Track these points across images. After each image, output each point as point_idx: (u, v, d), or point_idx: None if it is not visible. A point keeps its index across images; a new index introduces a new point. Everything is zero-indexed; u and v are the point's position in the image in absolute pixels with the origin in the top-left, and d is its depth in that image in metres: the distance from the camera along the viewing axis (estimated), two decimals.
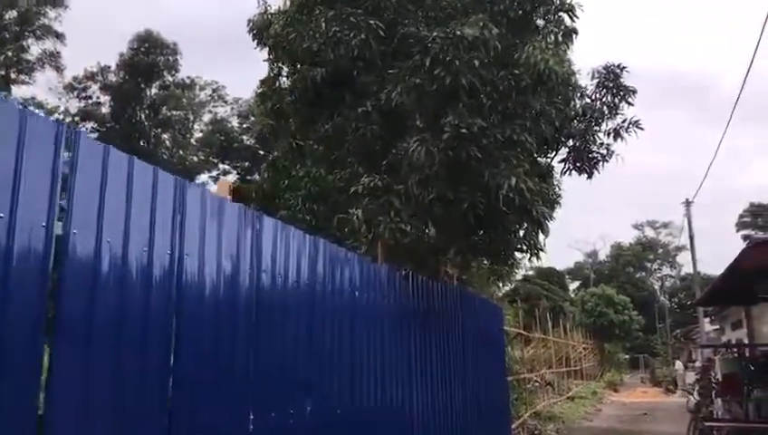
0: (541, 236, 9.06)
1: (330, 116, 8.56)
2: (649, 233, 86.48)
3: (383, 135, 7.87)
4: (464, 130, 6.74)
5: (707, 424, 11.01)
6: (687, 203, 24.15)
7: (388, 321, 7.11)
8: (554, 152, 10.55)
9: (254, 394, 4.48)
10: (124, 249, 3.39)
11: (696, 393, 13.41)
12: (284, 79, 10.30)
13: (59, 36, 46.47)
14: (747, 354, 12.94)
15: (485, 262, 12.33)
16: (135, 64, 49.24)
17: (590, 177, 10.46)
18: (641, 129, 9.87)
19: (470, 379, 10.39)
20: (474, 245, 8.31)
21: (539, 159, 10.80)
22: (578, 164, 10.40)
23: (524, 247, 8.57)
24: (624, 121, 9.96)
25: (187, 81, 53.83)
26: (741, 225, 68.83)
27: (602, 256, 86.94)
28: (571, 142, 10.20)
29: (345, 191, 7.86)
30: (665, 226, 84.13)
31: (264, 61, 10.30)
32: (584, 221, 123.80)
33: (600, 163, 10.36)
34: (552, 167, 10.95)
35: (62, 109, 49.89)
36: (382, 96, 7.77)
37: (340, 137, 8.49)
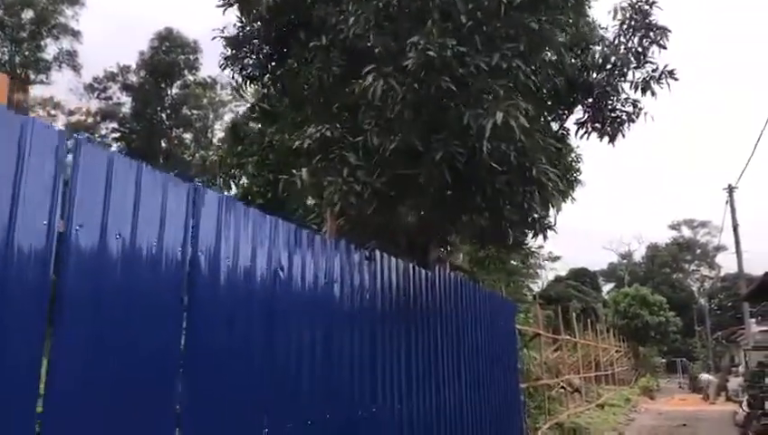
0: (550, 211, 7.28)
1: (282, 58, 6.91)
2: (687, 233, 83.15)
3: (343, 75, 6.15)
4: (431, 54, 4.99)
5: None
6: (731, 189, 21.90)
7: (340, 315, 5.43)
8: (567, 111, 8.73)
9: None
10: None
11: (744, 404, 11.38)
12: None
13: (75, 34, 46.01)
14: None
15: (490, 248, 10.54)
16: (155, 64, 48.62)
17: (612, 140, 8.59)
18: (676, 79, 7.97)
19: (467, 385, 8.63)
20: (456, 214, 6.51)
21: (550, 121, 9.01)
22: (598, 125, 8.55)
23: (529, 221, 6.78)
24: (655, 70, 8.08)
25: (209, 80, 52.89)
26: None
27: (637, 257, 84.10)
28: (588, 98, 8.36)
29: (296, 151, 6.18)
30: (703, 225, 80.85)
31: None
32: (619, 222, 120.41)
33: (626, 124, 8.49)
34: (567, 130, 9.13)
35: (83, 109, 49.56)
36: (342, 28, 6.08)
37: (294, 83, 6.83)
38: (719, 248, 69.91)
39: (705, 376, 33.56)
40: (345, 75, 6.10)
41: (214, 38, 8.27)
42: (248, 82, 8.59)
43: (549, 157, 6.60)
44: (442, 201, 6.05)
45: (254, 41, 8.07)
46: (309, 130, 5.73)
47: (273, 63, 7.91)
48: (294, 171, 5.69)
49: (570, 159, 10.53)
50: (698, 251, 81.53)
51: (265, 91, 9.10)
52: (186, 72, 50.99)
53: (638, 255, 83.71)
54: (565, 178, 10.29)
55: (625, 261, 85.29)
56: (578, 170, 10.92)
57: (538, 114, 7.68)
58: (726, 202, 21.83)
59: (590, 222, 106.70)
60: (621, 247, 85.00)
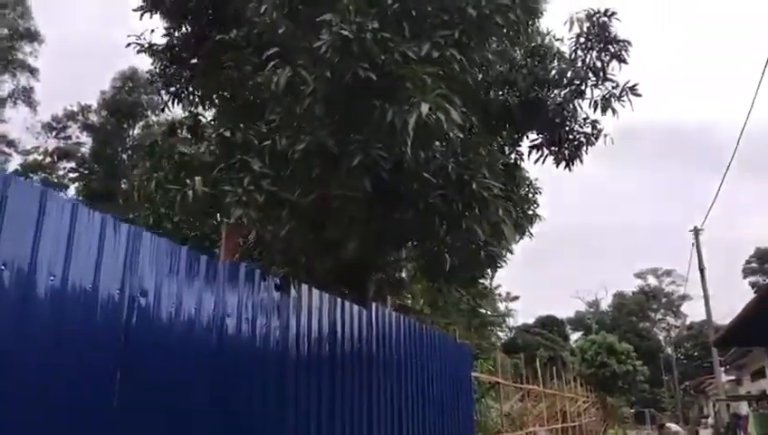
0: (506, 230, 6.32)
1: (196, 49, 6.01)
2: (652, 281, 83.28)
3: (255, 73, 5.22)
4: (346, 34, 4.10)
5: None
6: (696, 231, 21.40)
7: (233, 357, 4.38)
8: (520, 134, 7.96)
9: None
10: None
11: None
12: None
13: (33, 71, 44.78)
14: None
15: (442, 285, 9.56)
16: (118, 103, 47.45)
17: (569, 165, 7.82)
18: (639, 95, 7.25)
19: None
20: (384, 237, 5.54)
21: (503, 145, 8.21)
22: (554, 148, 7.78)
23: (472, 248, 5.84)
24: (616, 87, 7.36)
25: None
26: (748, 271, 65.84)
27: (604, 306, 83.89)
28: (543, 118, 7.59)
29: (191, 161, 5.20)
30: (668, 273, 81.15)
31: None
32: (585, 270, 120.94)
33: (585, 147, 7.74)
34: (521, 154, 8.34)
35: (41, 149, 47.97)
36: (256, 20, 5.20)
37: (208, 87, 5.90)
38: (684, 297, 70.31)
39: (672, 426, 32.62)
40: (256, 72, 5.18)
41: (128, 45, 7.34)
42: (175, 101, 7.64)
43: (495, 175, 5.71)
44: (365, 220, 5.07)
45: (177, 50, 7.18)
46: (206, 133, 4.76)
47: (195, 74, 7.01)
48: (188, 181, 4.67)
49: (525, 189, 9.73)
50: (664, 300, 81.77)
51: (192, 109, 8.16)
52: (149, 112, 49.92)
53: (606, 303, 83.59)
54: (521, 210, 9.48)
55: (592, 310, 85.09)
56: (535, 203, 10.12)
57: (486, 130, 6.87)
58: (692, 244, 21.38)
59: (559, 270, 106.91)
60: (589, 296, 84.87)
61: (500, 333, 54.36)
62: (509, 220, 6.22)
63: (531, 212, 10.38)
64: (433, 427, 8.36)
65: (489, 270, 9.45)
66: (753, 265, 65.93)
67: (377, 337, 6.91)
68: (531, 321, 64.50)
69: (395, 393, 7.21)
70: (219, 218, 4.79)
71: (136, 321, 3.54)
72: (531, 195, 10.06)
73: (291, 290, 5.22)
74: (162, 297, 3.78)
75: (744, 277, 64.91)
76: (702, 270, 20.88)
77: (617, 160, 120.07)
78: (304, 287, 5.51)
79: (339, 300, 6.22)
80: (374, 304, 7.04)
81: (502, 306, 52.76)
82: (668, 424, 34.03)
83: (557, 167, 7.89)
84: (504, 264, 7.37)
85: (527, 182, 9.74)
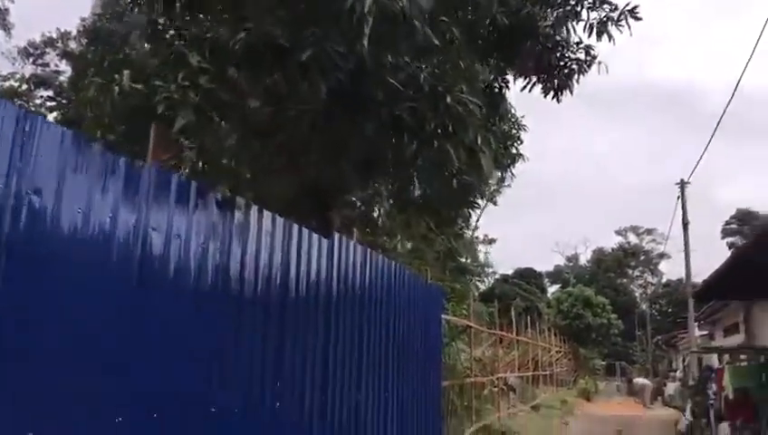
0: (483, 161, 5.70)
1: None
2: (632, 239, 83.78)
3: None
4: None
5: None
6: (682, 184, 20.99)
7: (159, 281, 3.79)
8: (508, 59, 7.27)
9: None
10: None
11: (688, 412, 10.21)
12: None
13: None
14: None
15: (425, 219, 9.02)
16: (98, 31, 45.45)
17: (558, 95, 7.19)
18: (638, 18, 6.58)
19: (372, 382, 7.11)
20: (339, 150, 4.92)
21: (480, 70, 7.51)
22: (543, 75, 7.12)
23: (445, 175, 5.26)
24: (614, 10, 6.68)
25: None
26: (727, 231, 66.29)
27: (583, 261, 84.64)
28: (534, 41, 6.90)
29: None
30: (648, 232, 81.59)
31: None
32: (567, 225, 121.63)
33: (576, 75, 7.09)
34: (506, 81, 7.67)
35: (17, 75, 46.14)
36: None
37: None
38: (663, 256, 70.85)
39: (639, 380, 32.98)
40: None
41: None
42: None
43: (475, 92, 5.07)
44: (323, 131, 4.44)
45: None
46: (138, 19, 4.05)
47: None
48: (117, 76, 3.99)
49: (509, 125, 9.12)
50: (642, 258, 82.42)
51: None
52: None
53: (585, 258, 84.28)
54: (502, 146, 8.88)
55: (571, 264, 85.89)
56: (518, 139, 9.51)
57: (471, 51, 6.18)
58: (678, 198, 20.97)
59: (541, 225, 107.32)
60: (568, 250, 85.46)
61: (478, 283, 54.63)
62: (487, 150, 5.64)
63: (513, 150, 9.80)
64: (397, 369, 7.95)
65: (467, 210, 8.87)
66: (733, 225, 66.33)
67: (339, 272, 6.36)
68: (509, 272, 64.93)
69: (356, 334, 6.72)
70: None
71: (25, 222, 2.93)
72: (514, 131, 9.46)
73: (235, 210, 4.62)
74: (64, 199, 3.16)
75: (723, 238, 65.40)
76: (686, 224, 20.57)
77: (608, 115, 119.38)
78: (253, 208, 4.91)
79: (295, 226, 5.65)
80: (338, 235, 6.47)
81: (481, 254, 52.79)
82: (636, 379, 34.46)
83: (545, 96, 7.25)
84: (480, 201, 6.81)
85: (511, 117, 9.12)
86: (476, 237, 54.77)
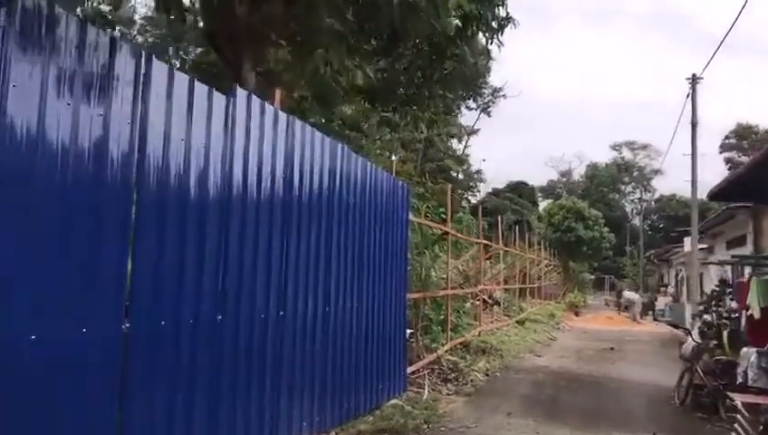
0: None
1: None
2: (627, 154, 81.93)
3: None
4: None
5: (735, 399, 6.22)
6: (694, 79, 18.81)
7: None
8: None
9: None
10: None
11: (695, 333, 8.72)
12: None
13: None
14: None
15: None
16: None
17: None
18: None
19: (308, 295, 5.47)
20: None
21: None
22: None
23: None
24: None
25: None
26: (726, 147, 64.46)
27: (577, 176, 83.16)
28: None
29: None
30: (643, 147, 79.77)
31: None
32: (562, 141, 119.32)
33: None
34: None
35: None
36: None
37: None
38: (657, 172, 69.29)
39: (628, 294, 31.87)
40: None
41: None
42: None
43: None
44: None
45: None
46: None
47: None
48: None
49: None
50: (636, 173, 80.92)
51: None
52: None
53: (578, 173, 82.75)
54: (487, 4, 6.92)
55: (565, 179, 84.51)
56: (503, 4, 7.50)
57: None
58: (687, 95, 18.89)
59: (534, 138, 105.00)
60: (562, 165, 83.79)
61: (470, 198, 53.08)
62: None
63: (501, 14, 7.83)
64: (344, 281, 6.31)
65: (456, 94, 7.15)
66: (732, 140, 64.47)
67: (246, 142, 4.54)
68: (501, 187, 63.36)
69: (278, 233, 5.00)
70: None
71: None
72: None
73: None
74: None
75: (721, 153, 63.66)
76: (694, 124, 18.64)
77: (606, 30, 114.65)
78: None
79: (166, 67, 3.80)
80: (244, 93, 4.61)
81: (473, 163, 50.85)
82: (626, 292, 33.31)
83: None
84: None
85: None
86: (467, 154, 52.87)
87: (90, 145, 3.17)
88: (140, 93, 3.52)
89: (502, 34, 8.23)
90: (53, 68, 2.97)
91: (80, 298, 3.09)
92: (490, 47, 8.28)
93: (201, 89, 4.09)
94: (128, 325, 3.42)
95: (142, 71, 3.55)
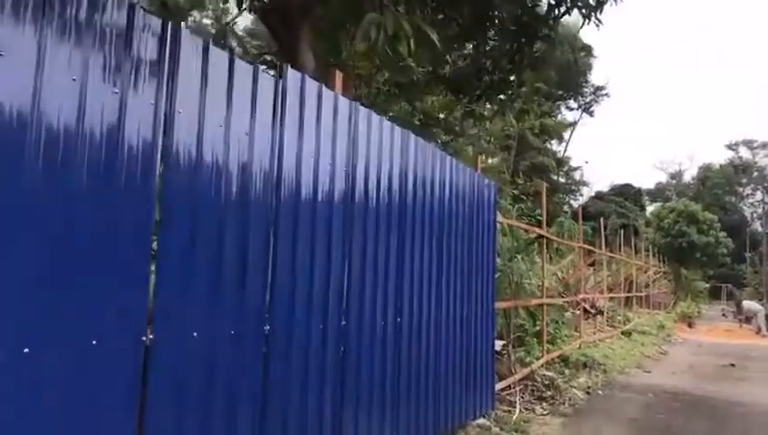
0: None
1: None
2: (745, 154, 75.92)
3: None
4: None
5: None
6: None
7: None
8: None
9: None
10: None
11: None
12: None
13: None
14: None
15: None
16: None
17: None
18: None
19: (377, 306, 4.85)
20: None
21: None
22: None
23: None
24: None
25: None
26: None
27: (688, 178, 78.04)
28: None
29: None
30: (764, 146, 73.58)
31: None
32: (674, 141, 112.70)
33: None
34: None
35: None
36: None
37: None
38: None
39: (748, 304, 28.83)
40: None
41: None
42: None
43: None
44: None
45: None
46: None
47: None
48: None
49: None
50: (755, 174, 74.86)
51: None
52: None
53: (690, 175, 77.63)
54: None
55: (675, 181, 79.57)
56: None
57: None
58: None
59: (643, 139, 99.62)
60: (672, 167, 78.91)
61: (572, 202, 50.97)
62: None
63: None
64: (419, 290, 5.64)
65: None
66: None
67: (290, 133, 4.00)
68: (605, 190, 60.56)
69: (335, 244, 4.42)
70: None
71: None
72: None
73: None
74: None
75: None
76: None
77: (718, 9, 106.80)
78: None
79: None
80: (297, 75, 4.07)
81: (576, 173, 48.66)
82: (746, 302, 30.22)
83: None
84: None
85: None
86: (568, 157, 50.68)
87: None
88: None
89: (601, 12, 7.33)
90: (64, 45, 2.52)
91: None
92: (587, 27, 7.39)
93: (243, 67, 3.58)
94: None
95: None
